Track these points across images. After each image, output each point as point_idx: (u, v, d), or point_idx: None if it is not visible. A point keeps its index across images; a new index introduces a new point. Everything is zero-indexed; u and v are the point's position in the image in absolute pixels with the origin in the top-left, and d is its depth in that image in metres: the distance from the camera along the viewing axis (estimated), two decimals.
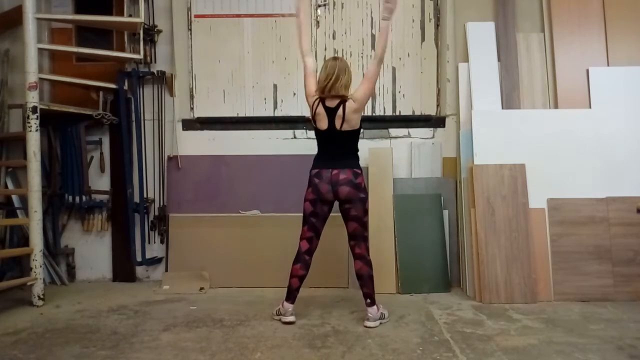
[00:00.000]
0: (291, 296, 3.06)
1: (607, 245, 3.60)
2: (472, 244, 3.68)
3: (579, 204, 3.67)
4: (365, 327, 2.97)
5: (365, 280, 3.04)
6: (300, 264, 3.07)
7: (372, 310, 3.01)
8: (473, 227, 3.67)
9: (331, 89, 2.97)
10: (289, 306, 3.05)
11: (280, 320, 3.07)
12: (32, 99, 3.50)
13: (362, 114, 2.99)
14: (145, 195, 4.22)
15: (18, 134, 4.04)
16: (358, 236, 3.05)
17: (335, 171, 2.99)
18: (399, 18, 4.33)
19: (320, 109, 3.02)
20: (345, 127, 3.00)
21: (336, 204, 3.08)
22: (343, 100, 2.98)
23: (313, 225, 3.08)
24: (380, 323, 3.03)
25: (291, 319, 3.03)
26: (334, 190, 3.00)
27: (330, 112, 2.99)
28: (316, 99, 3.04)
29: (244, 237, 4.05)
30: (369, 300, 3.03)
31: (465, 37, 4.13)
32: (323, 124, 3.02)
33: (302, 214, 3.11)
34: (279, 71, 4.37)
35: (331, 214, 3.13)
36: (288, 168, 4.15)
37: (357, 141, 3.11)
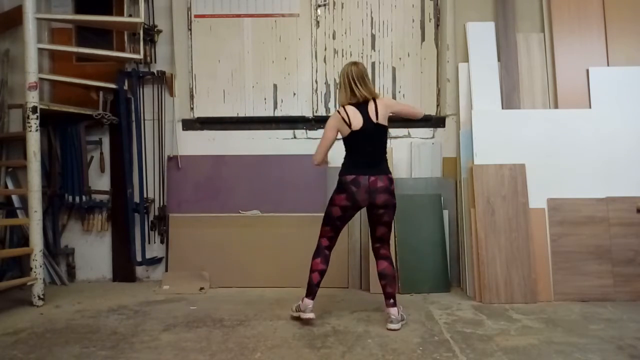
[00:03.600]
0: (312, 291, 3.04)
1: (607, 245, 3.60)
2: (472, 244, 3.68)
3: (579, 204, 3.67)
4: (389, 329, 2.91)
5: (390, 280, 3.02)
6: (320, 258, 3.08)
7: (394, 311, 2.96)
8: (473, 227, 3.67)
9: (364, 93, 2.98)
10: (309, 302, 3.03)
11: (299, 316, 3.05)
12: (32, 99, 3.50)
13: None
14: (145, 195, 4.22)
15: (18, 134, 4.04)
16: (385, 240, 3.09)
17: (372, 178, 2.96)
18: (399, 18, 4.34)
19: (351, 108, 2.99)
20: (381, 120, 2.97)
21: None
22: (372, 98, 3.01)
23: (337, 228, 3.09)
24: (401, 325, 2.97)
25: (311, 315, 3.01)
26: (370, 198, 2.97)
27: (362, 109, 2.98)
28: (342, 108, 3.01)
29: (244, 237, 4.05)
30: (392, 301, 2.98)
31: (465, 37, 4.13)
32: (357, 122, 2.97)
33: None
34: (279, 71, 4.37)
35: None
36: (288, 168, 4.15)
37: (387, 142, 3.09)
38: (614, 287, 3.54)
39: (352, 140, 3.02)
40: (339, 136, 3.07)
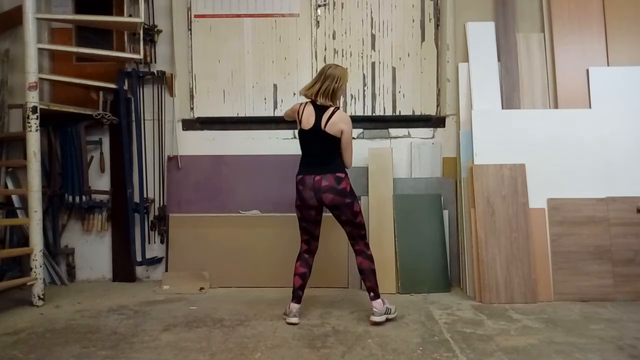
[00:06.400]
0: (295, 296, 3.06)
1: (607, 245, 3.60)
2: (472, 244, 3.68)
3: (579, 204, 3.67)
4: (372, 322, 2.98)
5: (367, 274, 3.05)
6: (300, 262, 3.11)
7: (377, 304, 3.00)
8: (473, 227, 3.67)
9: (310, 88, 3.04)
10: (294, 306, 3.05)
11: (285, 320, 3.06)
12: (32, 99, 3.50)
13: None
14: (145, 195, 4.22)
15: (18, 134, 4.04)
16: (354, 236, 3.10)
17: (317, 177, 2.99)
18: (399, 18, 4.34)
19: (310, 108, 3.05)
20: (329, 130, 2.99)
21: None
22: (335, 107, 3.04)
23: (306, 229, 3.12)
24: (387, 318, 3.02)
25: (294, 320, 3.02)
26: (317, 197, 3.00)
27: (319, 111, 3.02)
28: (303, 103, 3.09)
29: (244, 237, 4.05)
30: (372, 294, 3.02)
31: (465, 37, 4.13)
32: (309, 122, 3.02)
33: None
34: (279, 71, 4.37)
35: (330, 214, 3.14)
36: (288, 168, 4.13)
37: (339, 145, 3.06)
38: (614, 287, 3.54)
39: (302, 139, 3.10)
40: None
